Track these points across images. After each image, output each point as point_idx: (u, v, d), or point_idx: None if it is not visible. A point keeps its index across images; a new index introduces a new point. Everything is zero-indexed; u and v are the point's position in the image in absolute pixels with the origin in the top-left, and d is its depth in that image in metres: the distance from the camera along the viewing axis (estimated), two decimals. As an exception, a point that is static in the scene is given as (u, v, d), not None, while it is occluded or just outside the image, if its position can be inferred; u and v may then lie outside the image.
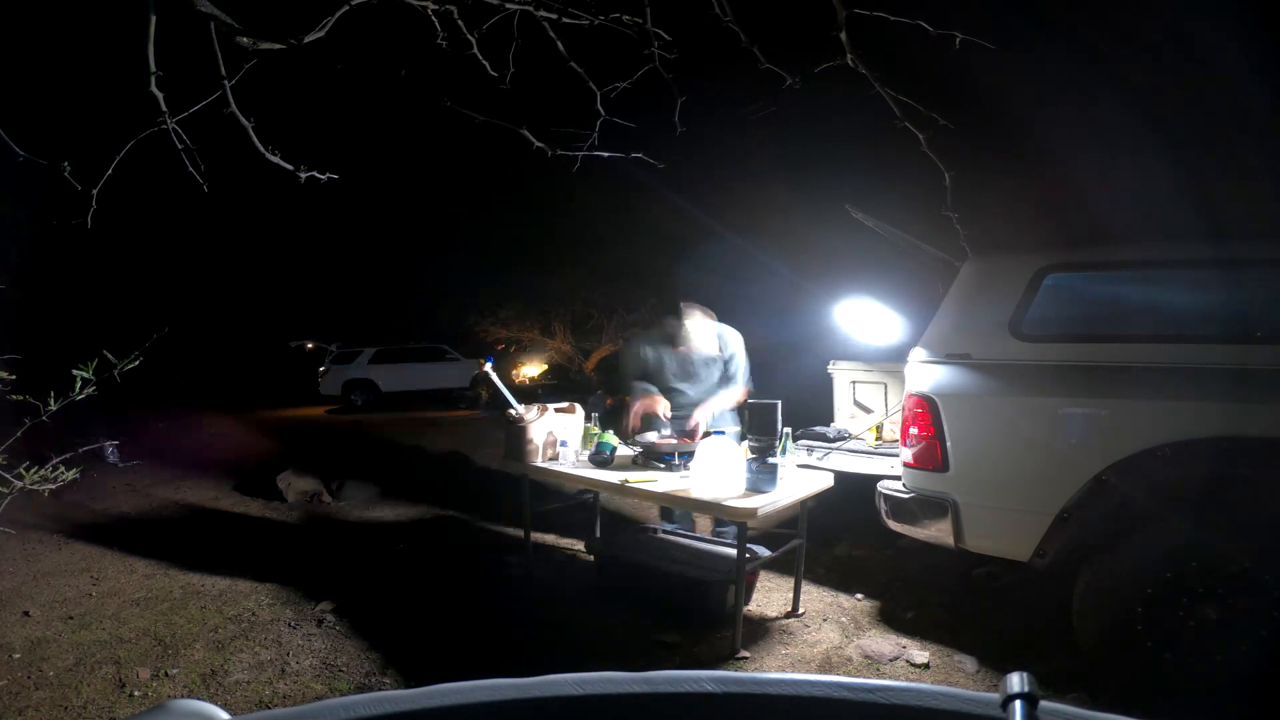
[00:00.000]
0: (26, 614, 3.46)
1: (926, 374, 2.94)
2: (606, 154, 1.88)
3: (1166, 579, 2.46)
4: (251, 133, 1.42)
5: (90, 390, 2.04)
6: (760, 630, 3.17)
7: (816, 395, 5.12)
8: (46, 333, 8.28)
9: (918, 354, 3.01)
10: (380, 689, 2.37)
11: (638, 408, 3.75)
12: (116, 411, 8.24)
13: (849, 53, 1.61)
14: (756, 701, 0.50)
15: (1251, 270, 2.59)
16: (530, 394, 13.36)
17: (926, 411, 2.87)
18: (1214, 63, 2.61)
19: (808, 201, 8.37)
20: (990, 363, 2.84)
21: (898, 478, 3.14)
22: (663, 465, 3.42)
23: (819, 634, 3.15)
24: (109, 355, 2.05)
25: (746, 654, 2.92)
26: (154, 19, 1.25)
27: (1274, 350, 2.42)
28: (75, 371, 2.03)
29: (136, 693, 2.72)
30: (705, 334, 3.74)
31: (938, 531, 2.88)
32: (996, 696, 0.46)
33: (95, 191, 1.43)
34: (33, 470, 2.19)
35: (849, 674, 2.72)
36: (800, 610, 3.34)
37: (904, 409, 3.02)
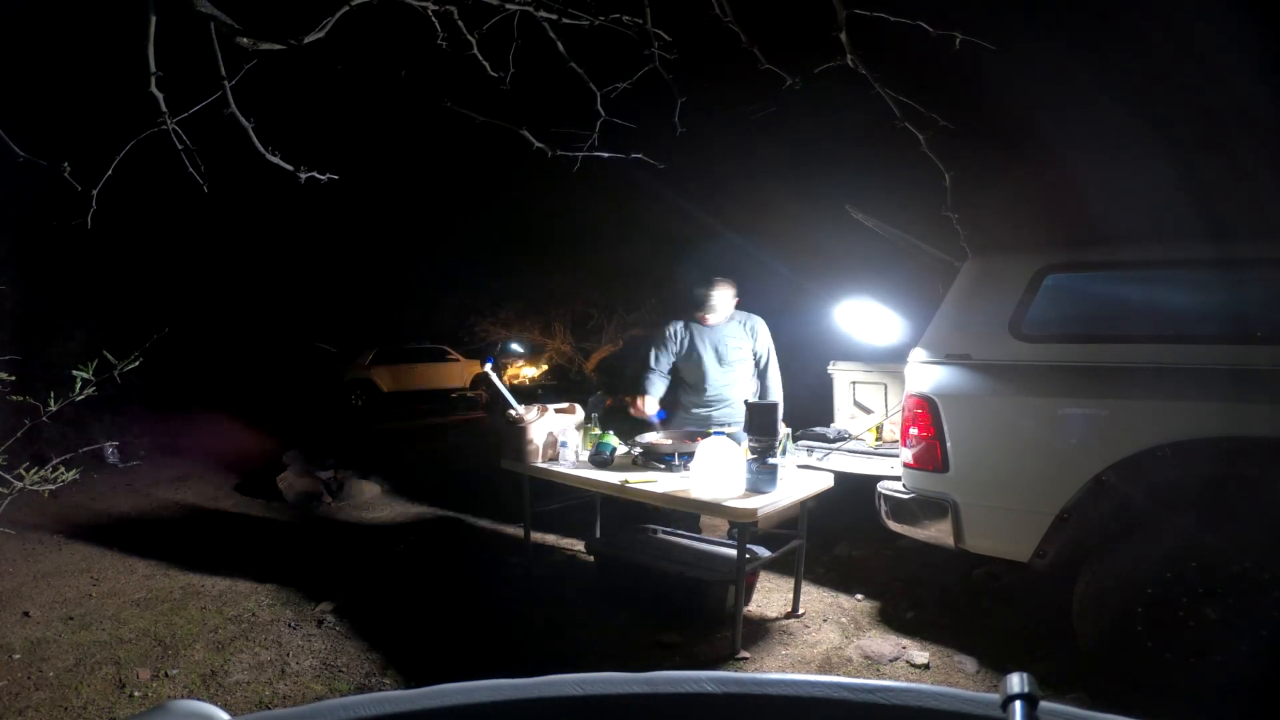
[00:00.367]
0: (26, 614, 3.46)
1: (926, 374, 2.94)
2: (607, 154, 1.88)
3: (1166, 579, 2.46)
4: (251, 133, 1.42)
5: (90, 391, 2.05)
6: (760, 631, 3.17)
7: (816, 395, 5.11)
8: (46, 333, 8.27)
9: (917, 354, 3.01)
10: (380, 689, 2.37)
11: (646, 401, 3.81)
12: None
13: (849, 53, 1.61)
14: (756, 702, 0.50)
15: (1251, 270, 2.59)
16: (530, 394, 13.37)
17: (926, 412, 2.87)
18: (1214, 63, 2.61)
19: (808, 202, 8.37)
20: (990, 363, 2.84)
21: (898, 478, 3.14)
22: (663, 465, 3.42)
23: (819, 634, 3.15)
24: (108, 355, 2.05)
25: (746, 654, 2.92)
26: (154, 19, 1.25)
27: (1274, 350, 2.42)
28: (75, 372, 2.04)
29: (136, 693, 2.72)
30: (729, 305, 3.80)
31: (938, 532, 2.88)
32: (996, 697, 0.46)
33: (95, 192, 1.43)
34: (33, 471, 2.19)
35: (849, 674, 2.73)
36: (800, 611, 3.34)
37: (904, 409, 3.02)
